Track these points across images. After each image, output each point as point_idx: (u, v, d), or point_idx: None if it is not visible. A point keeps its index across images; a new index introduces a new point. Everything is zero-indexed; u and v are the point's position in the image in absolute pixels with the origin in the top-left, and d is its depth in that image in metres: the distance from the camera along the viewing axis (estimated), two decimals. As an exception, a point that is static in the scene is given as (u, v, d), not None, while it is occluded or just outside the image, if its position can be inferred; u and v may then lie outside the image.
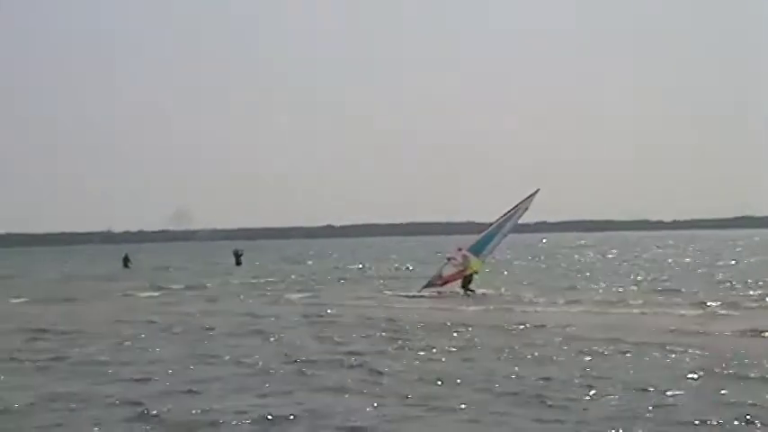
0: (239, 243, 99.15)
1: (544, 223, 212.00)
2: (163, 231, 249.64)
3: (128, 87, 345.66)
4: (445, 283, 30.66)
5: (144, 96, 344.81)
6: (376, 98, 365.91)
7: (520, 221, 32.00)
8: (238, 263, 60.45)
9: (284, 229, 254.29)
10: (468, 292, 29.89)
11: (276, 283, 39.86)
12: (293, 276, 45.17)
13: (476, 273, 30.69)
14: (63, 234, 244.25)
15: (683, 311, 22.27)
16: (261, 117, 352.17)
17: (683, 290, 29.37)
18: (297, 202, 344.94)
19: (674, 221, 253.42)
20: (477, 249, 30.91)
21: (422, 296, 29.55)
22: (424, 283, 31.55)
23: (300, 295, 31.27)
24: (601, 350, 15.38)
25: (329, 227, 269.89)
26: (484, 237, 31.30)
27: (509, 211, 31.60)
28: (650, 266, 48.28)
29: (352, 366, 14.26)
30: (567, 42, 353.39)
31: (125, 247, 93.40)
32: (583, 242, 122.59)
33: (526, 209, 31.83)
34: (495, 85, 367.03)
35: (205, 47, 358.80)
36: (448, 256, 31.78)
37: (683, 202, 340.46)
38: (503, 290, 30.64)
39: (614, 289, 30.85)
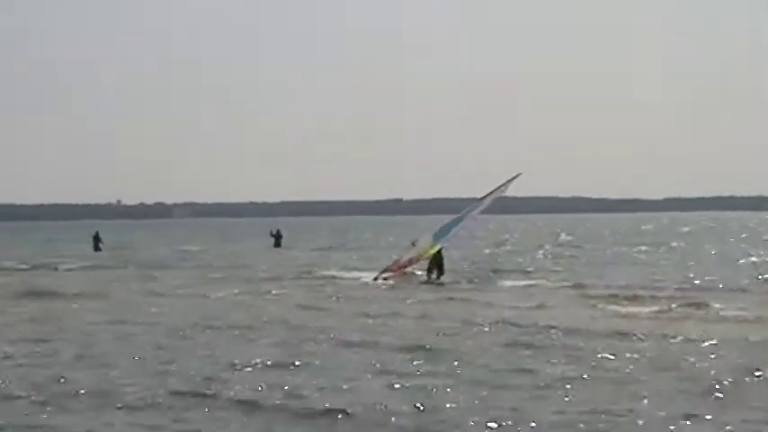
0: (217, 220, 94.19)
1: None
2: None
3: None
4: (400, 268, 28.22)
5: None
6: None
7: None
8: (277, 244, 53.05)
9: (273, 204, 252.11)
10: (431, 277, 27.14)
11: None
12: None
13: (426, 258, 27.99)
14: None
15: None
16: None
17: None
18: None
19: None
20: (439, 234, 28.47)
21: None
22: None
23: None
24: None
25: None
26: (453, 221, 29.04)
27: (487, 195, 29.35)
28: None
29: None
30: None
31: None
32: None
33: (503, 192, 29.57)
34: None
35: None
36: (412, 240, 29.66)
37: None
38: None
39: None
